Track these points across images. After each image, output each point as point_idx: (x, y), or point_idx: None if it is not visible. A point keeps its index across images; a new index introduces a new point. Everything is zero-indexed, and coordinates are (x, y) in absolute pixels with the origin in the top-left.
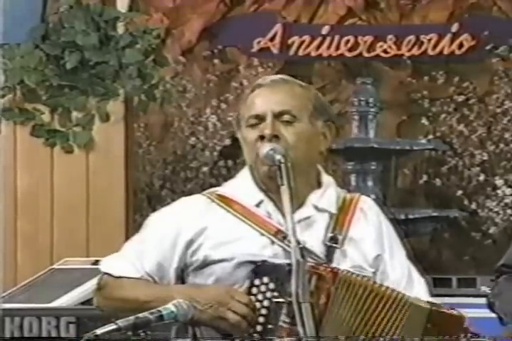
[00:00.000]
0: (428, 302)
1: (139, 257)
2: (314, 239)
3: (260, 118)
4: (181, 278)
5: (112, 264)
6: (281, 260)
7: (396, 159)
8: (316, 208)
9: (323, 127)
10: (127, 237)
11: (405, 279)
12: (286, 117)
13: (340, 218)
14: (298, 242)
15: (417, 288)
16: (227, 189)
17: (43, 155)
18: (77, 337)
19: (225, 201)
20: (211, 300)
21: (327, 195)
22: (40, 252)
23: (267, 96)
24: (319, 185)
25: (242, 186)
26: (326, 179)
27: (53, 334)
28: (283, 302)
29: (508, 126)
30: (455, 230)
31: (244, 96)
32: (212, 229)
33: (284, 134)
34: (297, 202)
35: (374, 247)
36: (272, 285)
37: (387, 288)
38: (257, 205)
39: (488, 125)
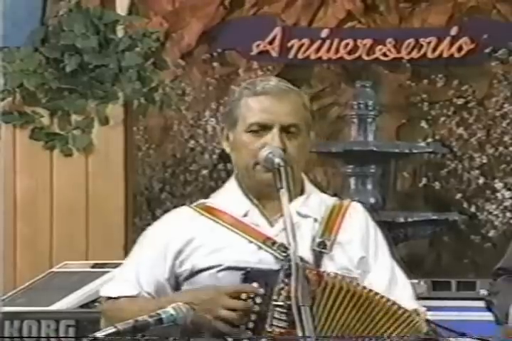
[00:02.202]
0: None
1: (135, 275)
2: (301, 245)
3: (264, 127)
4: (176, 288)
5: (109, 287)
6: (267, 265)
7: (395, 162)
8: (299, 214)
9: (313, 136)
10: (126, 240)
11: (386, 282)
12: (292, 130)
13: (330, 224)
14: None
15: (401, 292)
16: (215, 200)
17: (42, 158)
18: (76, 339)
19: (213, 212)
20: (204, 304)
21: (310, 201)
22: (39, 255)
23: (274, 106)
24: (302, 192)
25: (229, 196)
26: (309, 186)
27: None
28: (282, 306)
29: (508, 129)
30: (454, 233)
31: (236, 95)
32: (199, 240)
33: (289, 147)
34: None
35: (359, 249)
36: (261, 291)
37: (373, 291)
38: (245, 215)
39: (487, 128)
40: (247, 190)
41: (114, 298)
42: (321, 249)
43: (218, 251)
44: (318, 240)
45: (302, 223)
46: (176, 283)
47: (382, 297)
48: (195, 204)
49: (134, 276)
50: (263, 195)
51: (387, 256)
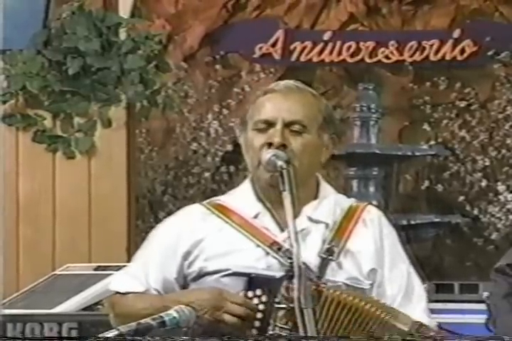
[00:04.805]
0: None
1: (144, 272)
2: (309, 251)
3: (269, 124)
4: (184, 288)
5: (118, 281)
6: (275, 272)
7: (398, 165)
8: (310, 220)
9: (328, 140)
10: (129, 243)
11: (402, 294)
12: (296, 127)
13: (341, 228)
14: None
15: (414, 305)
16: (227, 198)
17: (44, 160)
18: None
19: (224, 211)
20: (206, 304)
21: (323, 206)
22: (42, 258)
23: (280, 103)
24: (316, 196)
25: (242, 196)
26: (324, 189)
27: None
28: (284, 308)
29: (510, 131)
30: (457, 236)
31: (254, 98)
32: (208, 241)
33: (292, 144)
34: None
35: (371, 260)
36: (264, 298)
37: (375, 308)
38: (255, 217)
39: (490, 131)
40: (260, 192)
41: (123, 293)
42: (327, 256)
43: (226, 255)
44: (326, 246)
45: (313, 229)
46: (184, 282)
47: (382, 311)
48: (207, 201)
49: (143, 274)
50: (275, 199)
51: (403, 265)
